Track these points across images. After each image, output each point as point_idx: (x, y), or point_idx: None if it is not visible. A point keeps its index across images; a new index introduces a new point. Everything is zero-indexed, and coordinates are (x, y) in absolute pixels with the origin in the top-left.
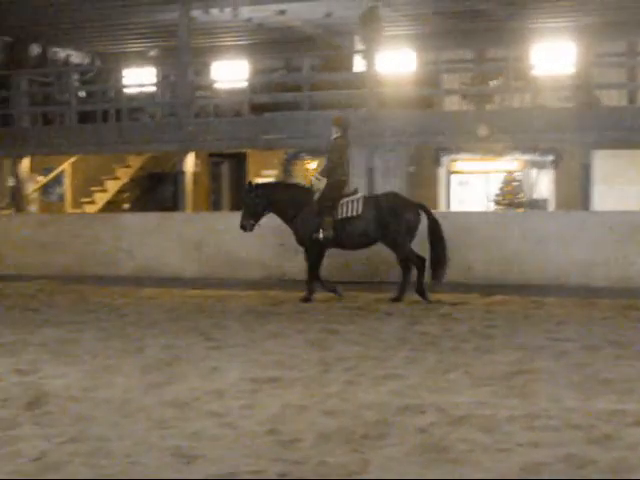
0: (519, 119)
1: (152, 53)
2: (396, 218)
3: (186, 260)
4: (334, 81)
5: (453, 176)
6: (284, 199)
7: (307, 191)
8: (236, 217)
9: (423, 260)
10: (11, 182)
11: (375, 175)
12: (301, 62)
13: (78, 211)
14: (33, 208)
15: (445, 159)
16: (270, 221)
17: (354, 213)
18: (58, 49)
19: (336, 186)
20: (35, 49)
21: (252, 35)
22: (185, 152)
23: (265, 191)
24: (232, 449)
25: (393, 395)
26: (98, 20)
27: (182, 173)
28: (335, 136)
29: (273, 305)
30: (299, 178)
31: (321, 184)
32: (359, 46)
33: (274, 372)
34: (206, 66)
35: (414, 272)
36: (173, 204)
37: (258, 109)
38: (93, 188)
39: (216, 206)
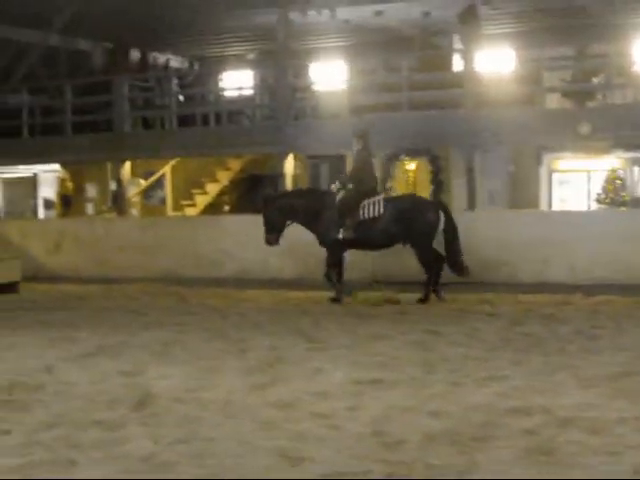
0: (621, 116)
1: (250, 56)
2: (416, 218)
3: (286, 261)
4: (432, 81)
5: (554, 175)
6: (303, 205)
7: (326, 195)
8: None
9: (442, 259)
10: (113, 186)
11: (474, 175)
12: (399, 62)
13: (179, 214)
14: (135, 211)
15: (546, 158)
16: None
17: (375, 214)
18: (157, 54)
19: (363, 193)
20: (135, 54)
21: (350, 36)
22: (284, 154)
23: (283, 201)
24: (338, 450)
25: (499, 396)
26: (197, 24)
27: (282, 175)
28: (356, 148)
29: (374, 306)
30: (398, 179)
31: (345, 189)
32: (458, 45)
33: (377, 373)
34: (304, 68)
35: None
36: None
37: (357, 110)
38: (194, 191)
39: None
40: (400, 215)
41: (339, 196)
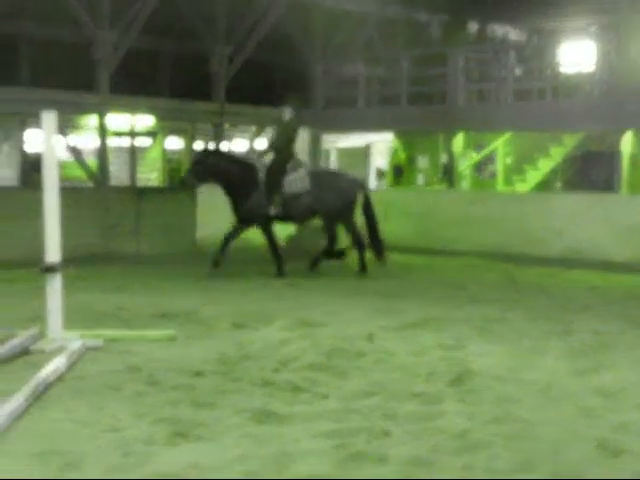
0: None
1: (591, 29)
2: (333, 193)
3: (618, 243)
4: None
5: None
6: (231, 172)
7: (252, 168)
8: None
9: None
10: (444, 158)
11: None
12: None
13: (509, 189)
14: (465, 184)
15: None
16: None
17: (299, 189)
18: (496, 26)
19: (282, 163)
20: (473, 26)
21: None
22: (623, 131)
23: (216, 159)
24: None
25: None
26: None
27: (618, 153)
28: (288, 116)
29: None
30: None
31: (264, 160)
32: None
33: None
34: None
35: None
36: (607, 185)
37: None
38: (526, 166)
39: None
40: (321, 189)
41: (262, 171)
